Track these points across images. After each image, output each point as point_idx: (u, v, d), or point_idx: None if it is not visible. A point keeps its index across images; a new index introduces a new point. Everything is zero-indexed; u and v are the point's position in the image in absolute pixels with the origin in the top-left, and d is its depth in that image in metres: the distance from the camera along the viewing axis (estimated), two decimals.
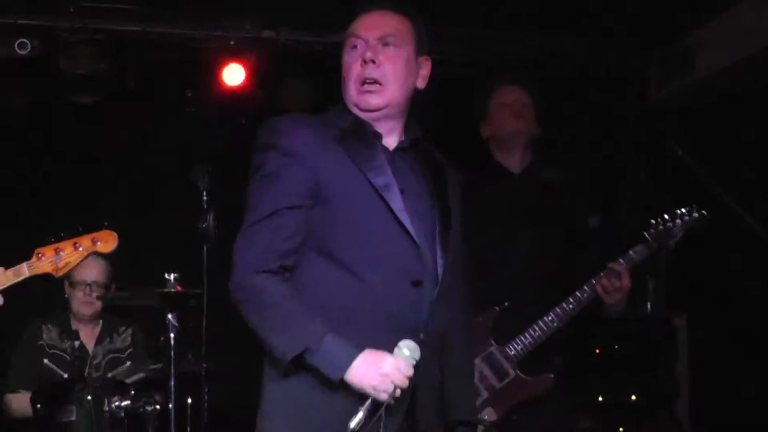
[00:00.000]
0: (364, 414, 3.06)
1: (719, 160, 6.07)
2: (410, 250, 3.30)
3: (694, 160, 4.93)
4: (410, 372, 3.11)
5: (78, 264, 4.28)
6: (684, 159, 4.94)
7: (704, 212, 4.67)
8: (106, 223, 4.32)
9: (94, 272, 6.05)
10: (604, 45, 7.22)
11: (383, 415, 3.09)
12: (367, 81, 3.37)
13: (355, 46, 3.41)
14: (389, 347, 3.17)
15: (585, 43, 7.18)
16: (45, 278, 4.22)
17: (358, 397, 3.15)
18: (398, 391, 3.09)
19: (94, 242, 4.23)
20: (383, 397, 3.07)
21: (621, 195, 7.58)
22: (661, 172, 7.18)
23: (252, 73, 6.94)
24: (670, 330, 7.03)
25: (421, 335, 3.24)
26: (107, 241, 4.26)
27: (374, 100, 3.38)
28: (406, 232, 3.29)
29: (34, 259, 4.12)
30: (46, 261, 4.15)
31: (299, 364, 3.17)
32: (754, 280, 6.44)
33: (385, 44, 3.38)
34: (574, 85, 7.34)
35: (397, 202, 3.29)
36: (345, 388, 3.17)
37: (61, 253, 4.17)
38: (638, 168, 7.44)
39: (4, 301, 4.05)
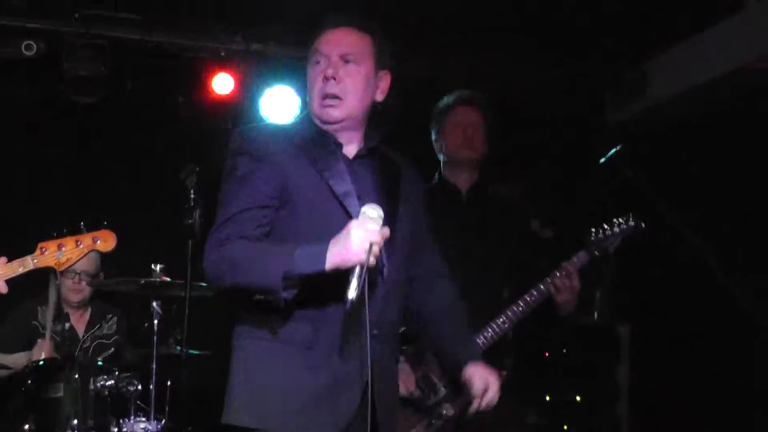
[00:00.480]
0: (357, 282, 3.14)
1: (667, 181, 6.32)
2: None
3: (642, 180, 5.03)
4: (377, 226, 3.19)
5: (78, 260, 4.31)
6: (633, 179, 5.01)
7: (639, 221, 4.91)
8: (105, 223, 4.37)
9: (83, 262, 5.95)
10: (563, 69, 7.35)
11: (366, 276, 3.15)
12: (328, 96, 3.46)
13: (318, 62, 3.49)
14: (345, 342, 3.33)
15: (544, 66, 7.32)
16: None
17: (337, 376, 3.30)
18: (375, 248, 3.16)
19: (94, 241, 4.27)
20: (364, 257, 3.14)
21: (575, 211, 7.60)
22: (613, 190, 7.11)
23: (240, 83, 7.14)
24: (614, 337, 7.30)
25: (375, 331, 3.31)
26: (107, 241, 4.30)
27: (334, 113, 3.47)
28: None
29: (37, 252, 4.17)
30: (49, 255, 4.19)
31: (291, 286, 3.22)
32: (694, 294, 6.64)
33: (346, 61, 3.46)
34: (533, 107, 7.50)
35: (355, 208, 3.35)
36: (325, 363, 3.31)
37: (63, 248, 4.21)
38: (593, 185, 7.52)
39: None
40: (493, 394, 3.61)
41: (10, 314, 6.25)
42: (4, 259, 4.18)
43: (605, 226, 4.92)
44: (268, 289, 3.24)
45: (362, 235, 3.16)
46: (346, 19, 3.55)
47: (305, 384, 3.34)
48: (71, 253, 4.25)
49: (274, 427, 3.35)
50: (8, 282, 4.10)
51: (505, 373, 4.73)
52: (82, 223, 4.31)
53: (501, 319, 4.81)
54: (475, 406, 3.62)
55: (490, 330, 4.80)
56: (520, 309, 4.83)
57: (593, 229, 4.93)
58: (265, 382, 3.39)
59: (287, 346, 3.37)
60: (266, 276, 3.23)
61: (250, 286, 3.30)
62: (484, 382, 3.61)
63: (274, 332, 3.39)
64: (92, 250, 4.32)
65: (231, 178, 3.45)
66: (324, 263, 3.18)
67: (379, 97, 3.61)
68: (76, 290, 6.24)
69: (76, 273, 6.18)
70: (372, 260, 3.17)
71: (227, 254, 3.32)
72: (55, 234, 4.27)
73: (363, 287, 3.16)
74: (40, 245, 4.20)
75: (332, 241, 3.20)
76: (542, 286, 4.83)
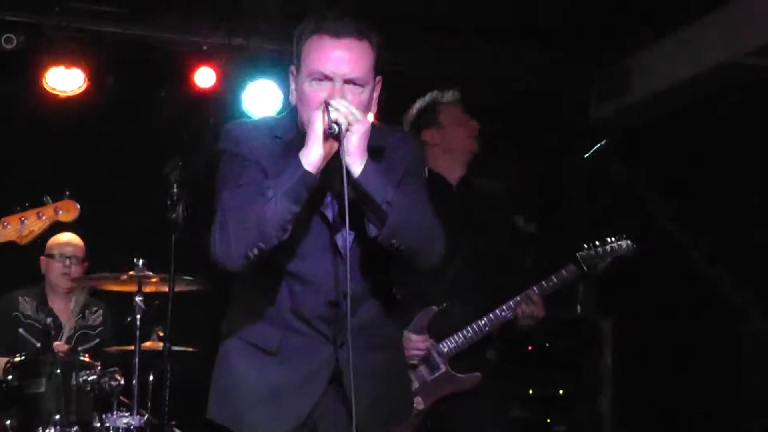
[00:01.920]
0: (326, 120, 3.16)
1: (653, 176, 6.39)
2: (337, 268, 3.33)
3: (627, 175, 5.03)
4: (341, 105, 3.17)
5: (41, 232, 4.29)
6: (618, 172, 5.00)
7: (630, 243, 4.94)
8: (67, 192, 4.36)
9: (71, 247, 6.22)
10: (547, 64, 7.39)
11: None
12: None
13: (319, 80, 3.28)
14: (311, 350, 3.35)
15: (528, 62, 7.35)
16: (11, 247, 4.26)
17: (300, 375, 3.33)
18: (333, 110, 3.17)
19: (56, 211, 4.27)
20: (319, 116, 3.17)
21: (561, 206, 7.75)
22: (599, 185, 7.33)
23: (222, 77, 7.15)
24: (597, 331, 7.32)
25: (341, 340, 3.34)
26: (69, 210, 4.31)
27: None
28: (337, 248, 3.35)
29: None
30: (11, 229, 4.19)
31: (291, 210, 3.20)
32: (677, 288, 6.70)
33: (353, 83, 3.29)
34: (517, 100, 7.51)
35: (332, 217, 3.33)
36: (288, 362, 3.34)
37: (26, 221, 4.20)
38: (578, 180, 7.59)
39: None
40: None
41: None
42: None
43: (597, 244, 4.94)
44: (263, 223, 3.20)
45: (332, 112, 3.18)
46: (345, 25, 3.33)
47: (264, 381, 3.40)
48: (33, 226, 4.25)
49: (234, 421, 3.41)
50: None
51: (479, 375, 4.84)
52: (47, 198, 4.30)
53: (483, 322, 4.86)
54: None
55: (471, 330, 4.85)
56: (503, 314, 4.87)
57: (586, 245, 4.95)
58: (229, 379, 3.46)
59: (253, 347, 3.42)
60: (263, 224, 3.20)
61: (252, 238, 3.23)
62: None
63: (245, 333, 3.45)
64: (54, 221, 4.31)
65: (225, 170, 3.41)
66: (307, 168, 3.19)
67: (374, 108, 3.45)
68: (66, 274, 6.24)
69: (66, 257, 6.22)
70: (334, 116, 3.16)
71: (226, 216, 3.28)
72: (18, 208, 4.26)
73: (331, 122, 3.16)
74: (1, 219, 4.21)
75: (300, 157, 3.21)
76: (512, 304, 4.87)
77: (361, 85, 3.32)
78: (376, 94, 3.45)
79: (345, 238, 3.33)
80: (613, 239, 4.95)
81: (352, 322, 3.29)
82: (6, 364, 5.42)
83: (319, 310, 3.35)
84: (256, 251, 3.25)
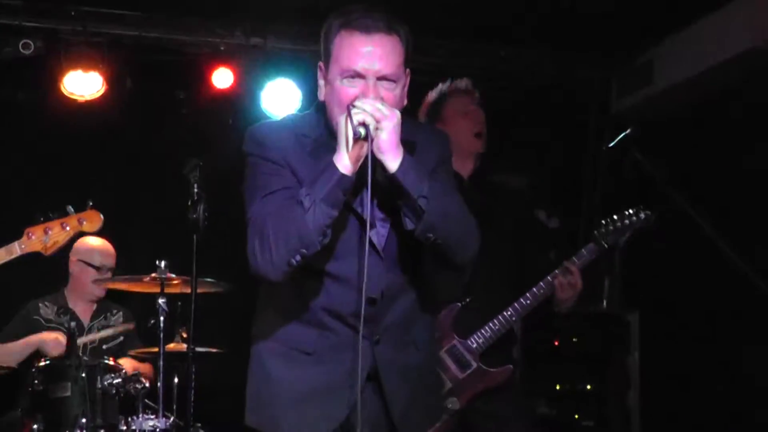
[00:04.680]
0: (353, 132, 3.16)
1: (675, 167, 6.32)
2: (372, 265, 3.26)
3: (651, 165, 5.00)
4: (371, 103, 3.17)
5: (65, 243, 4.39)
6: (642, 165, 4.98)
7: (649, 212, 4.91)
8: (90, 203, 4.43)
9: (111, 259, 6.29)
10: (568, 58, 7.36)
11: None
12: None
13: (352, 78, 3.28)
14: (347, 348, 3.32)
15: (548, 55, 7.33)
16: (36, 257, 4.36)
17: (335, 379, 3.31)
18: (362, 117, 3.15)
19: (80, 222, 4.33)
20: (360, 118, 3.15)
21: (583, 199, 7.68)
22: (620, 177, 7.11)
23: (240, 77, 7.15)
24: (624, 325, 7.25)
25: (377, 337, 3.37)
26: (92, 221, 4.38)
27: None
28: (373, 245, 3.32)
29: (24, 238, 4.24)
30: (36, 240, 4.26)
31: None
32: (704, 280, 6.62)
33: (384, 79, 3.29)
34: (538, 95, 7.48)
35: (366, 211, 3.27)
36: (324, 366, 3.34)
37: (50, 232, 4.28)
38: (599, 174, 7.56)
39: None
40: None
41: (15, 317, 6.29)
42: None
43: (615, 218, 4.92)
44: (304, 230, 3.19)
45: (357, 114, 3.16)
46: (375, 20, 3.32)
47: (301, 383, 3.38)
48: (57, 236, 4.33)
49: (272, 426, 3.40)
50: (10, 277, 4.20)
51: (511, 367, 4.85)
52: (70, 207, 4.35)
53: (509, 312, 4.84)
54: None
55: (497, 322, 4.82)
56: (528, 302, 4.84)
57: (603, 221, 4.93)
58: (265, 384, 3.45)
59: (289, 349, 3.41)
60: (299, 232, 3.19)
61: (291, 246, 3.22)
62: None
63: (278, 335, 3.44)
64: (78, 232, 4.38)
65: (254, 175, 3.38)
66: (339, 171, 3.17)
67: (405, 101, 3.44)
68: (100, 284, 6.25)
69: (108, 268, 6.29)
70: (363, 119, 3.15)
71: (264, 227, 3.26)
72: (42, 219, 4.32)
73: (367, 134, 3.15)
74: (26, 230, 4.27)
75: (336, 154, 3.21)
76: (550, 279, 4.84)
77: (393, 81, 3.31)
78: (406, 88, 3.43)
79: (378, 234, 3.35)
80: (631, 210, 4.93)
81: (388, 318, 3.36)
82: (31, 368, 5.44)
83: (356, 307, 3.27)
84: (298, 257, 3.24)
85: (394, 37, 3.33)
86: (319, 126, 3.42)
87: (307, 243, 3.20)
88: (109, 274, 6.29)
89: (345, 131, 3.18)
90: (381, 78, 3.29)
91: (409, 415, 3.45)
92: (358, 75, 3.29)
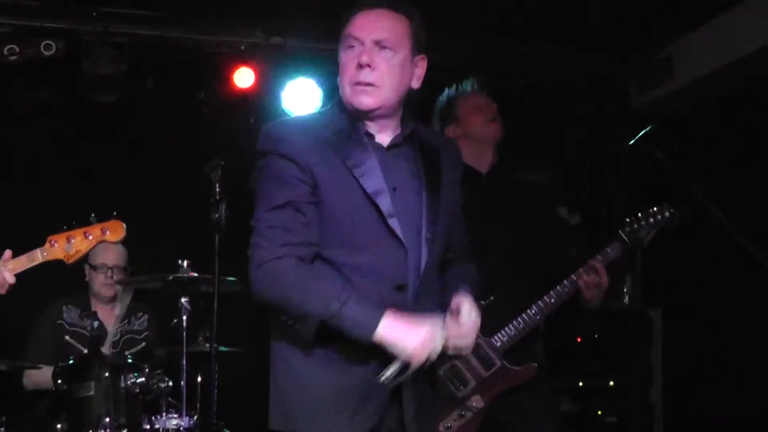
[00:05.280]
0: (396, 371, 3.16)
1: (695, 164, 6.31)
2: (398, 255, 3.31)
3: (671, 161, 4.99)
4: (441, 344, 3.19)
5: (89, 251, 4.37)
6: (662, 161, 4.97)
7: (674, 210, 4.83)
8: (115, 213, 4.40)
9: (114, 256, 6.23)
10: (586, 54, 7.35)
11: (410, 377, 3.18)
12: (362, 83, 3.33)
13: (351, 46, 3.34)
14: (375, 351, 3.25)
15: (568, 52, 7.31)
16: (57, 264, 4.31)
17: (367, 379, 3.24)
18: (425, 360, 3.17)
19: (103, 232, 4.31)
20: (417, 360, 3.15)
21: (603, 196, 7.70)
22: (640, 174, 7.31)
23: (261, 76, 7.15)
24: (646, 322, 7.24)
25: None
26: (116, 231, 4.35)
27: (367, 101, 3.35)
28: (396, 236, 3.31)
29: (47, 245, 4.21)
30: (58, 248, 4.22)
31: (327, 333, 3.21)
32: (725, 276, 6.61)
33: (382, 47, 3.32)
34: (557, 92, 7.48)
35: (387, 206, 3.30)
36: (355, 366, 3.27)
37: (72, 241, 4.24)
38: (618, 170, 7.57)
39: (20, 283, 4.12)
40: (467, 314, 3.44)
41: (39, 321, 6.30)
42: (9, 252, 4.23)
43: (639, 216, 4.86)
44: (302, 322, 3.24)
45: (431, 341, 3.17)
46: (381, 1, 3.39)
47: (331, 387, 3.31)
48: (80, 245, 4.29)
49: (300, 429, 3.33)
50: (30, 281, 4.15)
51: (536, 365, 4.80)
52: (93, 216, 4.34)
53: (533, 311, 4.79)
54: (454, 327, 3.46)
55: (521, 321, 4.79)
56: (552, 301, 4.80)
57: (627, 219, 4.87)
58: (290, 386, 3.37)
59: (314, 349, 3.32)
60: (305, 310, 3.22)
61: (287, 309, 3.26)
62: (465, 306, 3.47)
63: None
64: (101, 241, 4.36)
65: (264, 179, 3.38)
66: (372, 331, 3.18)
67: (416, 84, 3.48)
68: (108, 285, 6.29)
69: (108, 267, 6.26)
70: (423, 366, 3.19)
71: (278, 272, 3.26)
72: (65, 227, 4.30)
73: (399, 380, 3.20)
74: (49, 238, 4.25)
75: (391, 318, 3.19)
76: (574, 278, 4.80)
77: (391, 49, 3.34)
78: (420, 71, 3.46)
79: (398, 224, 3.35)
80: (655, 209, 4.86)
81: (417, 308, 3.32)
82: (55, 368, 5.43)
83: (384, 296, 3.30)
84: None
85: (401, 15, 3.39)
86: (339, 119, 3.43)
87: (296, 324, 3.26)
88: (118, 274, 6.27)
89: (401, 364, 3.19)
90: (378, 43, 3.33)
91: (420, 415, 3.43)
92: (356, 40, 3.34)
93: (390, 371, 3.16)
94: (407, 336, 3.17)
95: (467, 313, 3.38)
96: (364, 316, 3.19)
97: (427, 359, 3.18)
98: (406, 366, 3.17)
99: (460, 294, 3.44)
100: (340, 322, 3.18)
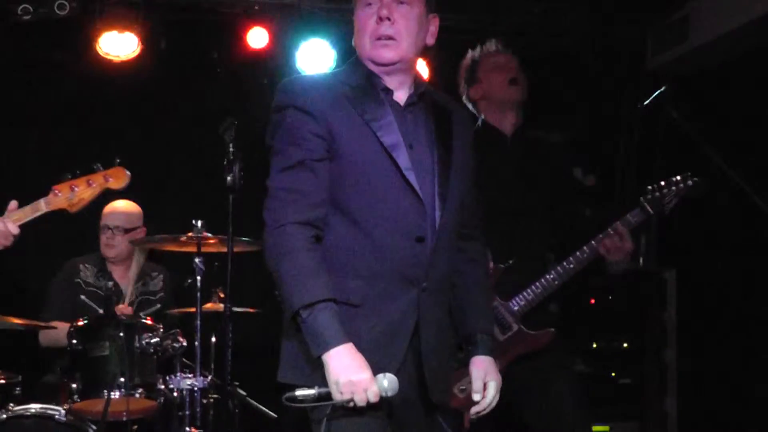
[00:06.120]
0: (314, 394, 3.19)
1: (711, 124, 6.28)
2: (415, 207, 3.36)
3: (687, 122, 4.99)
4: (375, 400, 3.17)
5: (91, 200, 4.36)
6: (678, 121, 4.97)
7: (697, 179, 4.85)
8: (118, 160, 4.41)
9: (114, 217, 6.25)
10: (603, 14, 7.27)
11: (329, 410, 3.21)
12: (383, 37, 3.42)
13: (369, 4, 3.44)
14: (395, 296, 3.33)
15: (584, 12, 7.24)
16: (71, 214, 4.35)
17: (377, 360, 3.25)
18: (351, 403, 3.16)
19: (106, 179, 4.32)
20: (337, 397, 3.16)
21: (617, 157, 7.65)
22: (655, 135, 7.30)
23: (275, 37, 7.12)
24: (660, 283, 7.23)
25: (425, 284, 3.37)
26: (119, 178, 4.35)
27: (388, 54, 3.43)
28: (413, 189, 3.36)
29: (50, 195, 4.23)
30: (62, 197, 4.24)
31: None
32: (740, 237, 6.65)
33: (399, 2, 3.42)
34: (573, 53, 7.45)
35: (404, 160, 3.35)
36: (350, 307, 3.30)
37: (76, 189, 4.25)
38: (633, 131, 7.53)
39: (39, 242, 4.12)
40: (490, 399, 3.57)
41: (56, 279, 6.32)
42: (14, 203, 4.24)
43: (662, 184, 4.87)
44: (283, 303, 3.28)
45: (357, 393, 3.16)
46: None
47: (351, 338, 3.27)
48: (83, 193, 4.30)
49: (309, 381, 3.30)
50: (49, 240, 4.09)
51: (552, 330, 4.85)
52: (98, 165, 4.36)
53: (551, 276, 4.82)
54: (470, 412, 3.61)
55: (539, 285, 4.81)
56: (571, 266, 4.82)
57: (650, 186, 4.88)
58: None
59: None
60: (287, 297, 3.24)
61: (277, 284, 3.30)
62: (482, 381, 3.58)
63: None
64: (105, 189, 4.36)
65: (280, 132, 3.40)
66: (323, 350, 3.19)
67: (430, 40, 3.57)
68: (109, 245, 6.29)
69: (109, 228, 6.26)
70: (347, 404, 3.19)
71: (282, 245, 3.29)
72: (69, 176, 4.31)
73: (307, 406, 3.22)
74: (53, 188, 4.26)
75: (345, 349, 3.19)
76: (594, 243, 4.81)
77: (408, 4, 3.44)
78: (433, 28, 3.57)
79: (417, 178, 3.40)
80: (678, 177, 4.87)
81: (434, 264, 3.39)
82: (69, 328, 5.44)
83: (405, 247, 3.36)
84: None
85: None
86: (357, 75, 3.49)
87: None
88: (119, 235, 6.27)
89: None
90: None
91: (438, 374, 3.45)
92: None
93: (303, 392, 3.20)
94: (346, 371, 3.16)
95: (490, 397, 3.56)
96: (327, 333, 3.19)
97: (351, 401, 3.17)
98: (327, 397, 3.19)
99: (485, 364, 3.60)
100: (305, 326, 3.21)
